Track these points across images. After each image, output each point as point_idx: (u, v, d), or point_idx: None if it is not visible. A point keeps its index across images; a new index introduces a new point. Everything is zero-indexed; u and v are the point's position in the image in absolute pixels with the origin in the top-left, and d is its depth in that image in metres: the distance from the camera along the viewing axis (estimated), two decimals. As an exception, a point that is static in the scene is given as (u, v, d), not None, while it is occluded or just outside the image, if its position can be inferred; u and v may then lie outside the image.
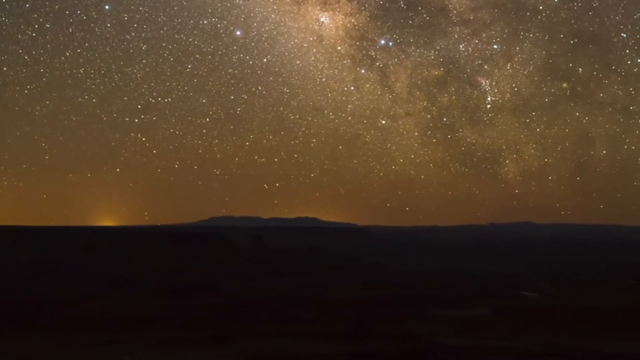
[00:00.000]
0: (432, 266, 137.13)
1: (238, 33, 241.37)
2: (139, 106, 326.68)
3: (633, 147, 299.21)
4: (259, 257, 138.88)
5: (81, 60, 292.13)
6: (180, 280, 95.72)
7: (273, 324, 57.51)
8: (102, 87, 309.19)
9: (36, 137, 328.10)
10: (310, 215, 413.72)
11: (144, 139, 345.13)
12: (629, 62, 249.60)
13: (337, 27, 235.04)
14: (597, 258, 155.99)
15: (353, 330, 52.99)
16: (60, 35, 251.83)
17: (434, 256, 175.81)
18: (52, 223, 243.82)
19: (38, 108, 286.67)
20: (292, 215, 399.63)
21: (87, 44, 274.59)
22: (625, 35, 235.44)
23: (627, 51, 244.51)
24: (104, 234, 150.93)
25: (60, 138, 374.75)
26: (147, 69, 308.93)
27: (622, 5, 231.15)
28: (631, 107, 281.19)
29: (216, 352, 43.68)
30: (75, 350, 44.23)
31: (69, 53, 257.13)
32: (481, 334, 55.01)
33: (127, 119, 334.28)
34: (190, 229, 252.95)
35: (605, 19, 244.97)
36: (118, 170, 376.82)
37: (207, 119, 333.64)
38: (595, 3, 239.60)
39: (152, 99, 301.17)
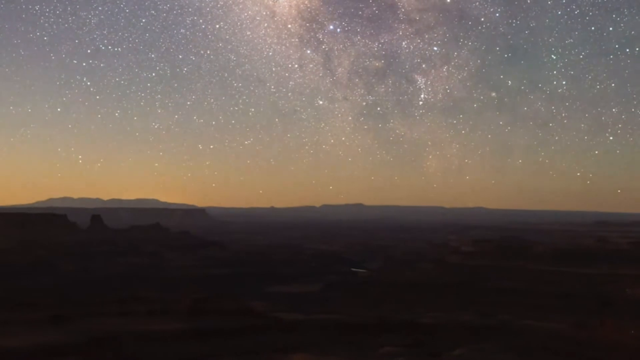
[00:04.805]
0: (269, 245, 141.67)
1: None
2: (89, 51, 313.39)
3: (547, 161, 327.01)
4: (98, 236, 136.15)
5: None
6: (17, 261, 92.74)
7: (113, 303, 58.03)
8: (55, 27, 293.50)
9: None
10: (149, 197, 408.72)
11: (89, 83, 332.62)
12: (554, 82, 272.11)
13: (290, 6, 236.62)
14: (431, 239, 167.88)
15: (192, 307, 55.17)
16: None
17: (270, 236, 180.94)
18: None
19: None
20: (132, 196, 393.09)
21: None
22: (555, 57, 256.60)
23: (555, 72, 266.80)
24: None
25: (7, 70, 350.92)
26: (102, 17, 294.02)
27: (557, 29, 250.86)
28: (550, 124, 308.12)
29: (57, 332, 44.12)
30: None
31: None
32: (314, 309, 59.22)
33: (75, 62, 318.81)
34: (28, 209, 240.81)
35: (540, 39, 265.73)
36: (59, 110, 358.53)
37: (154, 74, 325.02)
38: (532, 23, 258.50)
39: (103, 46, 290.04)
